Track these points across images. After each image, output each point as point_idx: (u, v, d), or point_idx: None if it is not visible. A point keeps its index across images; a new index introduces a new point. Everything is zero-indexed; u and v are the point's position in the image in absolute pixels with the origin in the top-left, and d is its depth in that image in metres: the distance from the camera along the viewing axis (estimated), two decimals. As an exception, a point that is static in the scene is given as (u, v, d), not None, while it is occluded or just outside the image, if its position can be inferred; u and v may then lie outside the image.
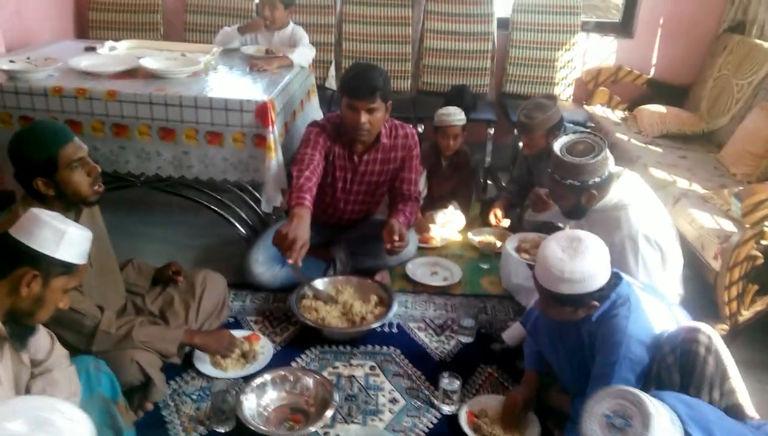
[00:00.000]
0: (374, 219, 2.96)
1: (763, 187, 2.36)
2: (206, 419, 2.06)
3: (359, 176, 2.73)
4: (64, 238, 1.50)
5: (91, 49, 3.09)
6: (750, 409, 1.65)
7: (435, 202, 3.43)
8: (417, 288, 2.85)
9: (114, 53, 3.03)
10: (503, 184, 3.70)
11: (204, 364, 2.27)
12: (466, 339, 2.50)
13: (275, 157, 2.52)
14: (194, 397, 2.15)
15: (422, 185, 3.41)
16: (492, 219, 3.15)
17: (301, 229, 2.31)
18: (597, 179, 2.08)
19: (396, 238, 2.55)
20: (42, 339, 1.77)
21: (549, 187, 2.38)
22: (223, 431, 2.01)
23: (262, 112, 2.47)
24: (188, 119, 2.50)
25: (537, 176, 3.02)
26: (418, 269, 2.96)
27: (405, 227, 2.66)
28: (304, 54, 3.12)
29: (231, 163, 2.58)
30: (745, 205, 2.31)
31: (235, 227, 2.98)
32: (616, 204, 2.15)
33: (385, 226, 2.63)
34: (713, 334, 1.67)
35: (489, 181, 3.89)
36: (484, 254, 3.16)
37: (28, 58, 2.72)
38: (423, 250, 3.14)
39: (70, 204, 1.98)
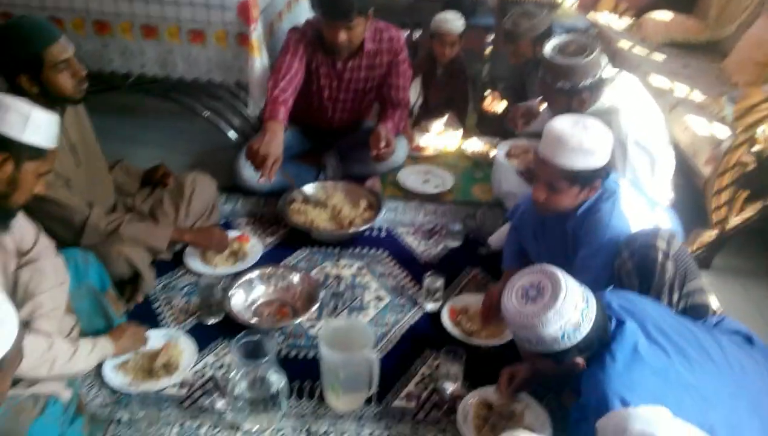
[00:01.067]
0: (365, 125, 2.93)
1: (757, 90, 2.30)
2: (195, 312, 2.11)
3: (344, 84, 2.67)
4: (29, 121, 1.49)
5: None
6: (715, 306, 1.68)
7: (431, 111, 3.38)
8: (408, 195, 2.86)
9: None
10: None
11: (194, 261, 2.32)
12: (453, 244, 2.53)
13: (259, 58, 2.47)
14: (184, 291, 2.20)
15: (417, 94, 3.34)
16: (487, 103, 3.12)
17: (273, 145, 2.31)
18: (588, 81, 2.04)
19: (382, 144, 2.53)
20: (27, 230, 1.80)
21: (540, 92, 2.33)
22: (210, 323, 2.07)
23: (243, 9, 2.40)
24: (170, 16, 2.44)
25: (529, 88, 2.95)
26: (410, 177, 2.96)
27: (392, 133, 2.63)
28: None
29: (215, 62, 2.53)
30: (737, 109, 2.27)
31: (225, 132, 2.96)
32: (609, 108, 2.12)
33: (372, 133, 2.60)
34: (672, 238, 1.67)
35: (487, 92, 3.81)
36: (478, 163, 3.14)
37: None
38: (416, 159, 3.13)
39: (54, 102, 1.95)
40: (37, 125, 1.51)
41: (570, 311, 1.35)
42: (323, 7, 2.41)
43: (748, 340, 1.58)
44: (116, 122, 3.28)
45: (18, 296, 1.71)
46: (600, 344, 1.41)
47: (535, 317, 1.36)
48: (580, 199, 1.77)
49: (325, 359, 1.72)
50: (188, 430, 1.72)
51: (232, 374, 1.69)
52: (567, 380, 1.65)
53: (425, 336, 2.06)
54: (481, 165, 3.12)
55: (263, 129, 2.37)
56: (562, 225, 1.86)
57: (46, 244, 1.85)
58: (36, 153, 1.53)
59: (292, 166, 2.72)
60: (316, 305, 2.10)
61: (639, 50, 3.48)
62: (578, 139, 1.66)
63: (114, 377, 1.83)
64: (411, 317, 2.15)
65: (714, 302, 1.72)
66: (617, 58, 3.36)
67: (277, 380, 1.71)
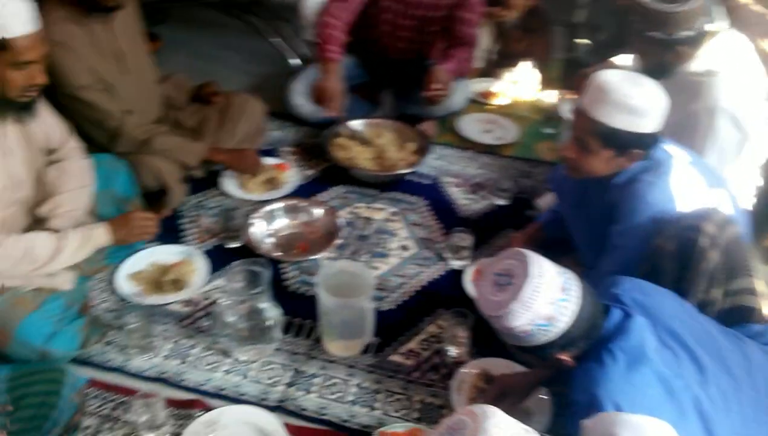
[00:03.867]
0: (428, 64, 2.74)
1: None
2: (218, 234, 2.10)
3: (407, 6, 2.48)
4: None
5: None
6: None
7: (507, 60, 3.12)
8: (464, 144, 2.68)
9: None
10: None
11: (230, 182, 2.30)
12: (500, 201, 2.35)
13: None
14: (212, 212, 2.19)
15: (490, 41, 3.09)
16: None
17: (332, 82, 2.35)
18: (686, 34, 1.77)
19: (436, 85, 2.35)
20: (56, 129, 1.82)
21: (631, 42, 2.06)
22: (231, 247, 2.05)
23: None
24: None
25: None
26: (470, 125, 2.77)
27: (451, 74, 2.43)
28: None
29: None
30: None
31: (287, 58, 2.89)
32: (706, 70, 1.84)
33: (426, 71, 2.41)
34: (726, 224, 1.42)
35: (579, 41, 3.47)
36: (551, 118, 2.87)
37: None
38: (484, 105, 2.92)
39: (91, 7, 1.93)
40: (4, 13, 1.43)
41: (540, 303, 1.16)
42: None
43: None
44: (187, 36, 3.30)
45: (42, 192, 1.76)
46: (588, 340, 1.23)
47: (501, 308, 1.19)
48: (615, 167, 1.54)
49: (321, 301, 1.65)
50: (181, 348, 1.73)
51: (225, 301, 1.66)
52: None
53: (443, 295, 1.94)
54: (554, 120, 2.86)
55: (321, 69, 2.37)
56: (602, 195, 1.65)
57: (74, 145, 1.88)
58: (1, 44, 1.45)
59: (346, 98, 2.61)
60: (336, 243, 2.02)
61: (761, 7, 3.00)
62: (623, 93, 1.44)
63: (124, 284, 1.86)
64: (433, 272, 2.03)
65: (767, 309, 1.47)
66: (734, 13, 2.92)
67: (271, 312, 1.67)
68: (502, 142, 2.69)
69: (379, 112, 2.71)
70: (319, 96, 2.38)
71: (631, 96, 1.43)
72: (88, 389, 1.58)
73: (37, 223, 1.71)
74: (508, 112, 2.91)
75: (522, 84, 3.04)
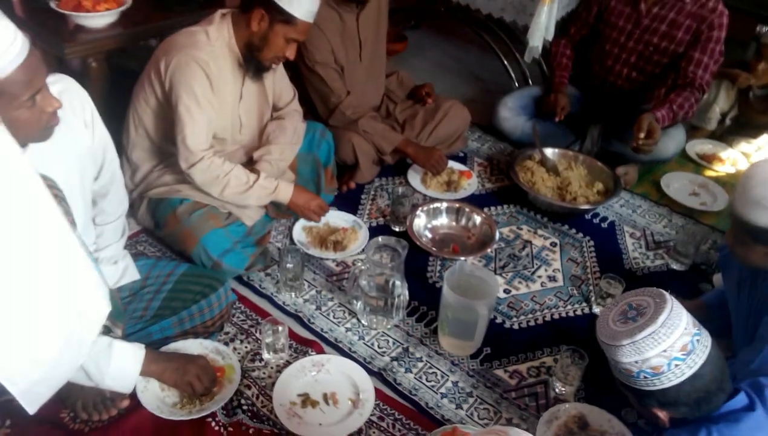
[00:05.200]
0: (643, 108, 2.64)
1: None
2: (387, 215, 2.31)
3: (639, 31, 2.42)
4: None
5: None
6: None
7: (742, 127, 2.85)
8: (662, 200, 2.53)
9: None
10: None
11: (414, 176, 2.50)
12: (676, 266, 2.20)
13: (548, 5, 2.40)
14: (390, 196, 2.41)
15: (732, 102, 2.83)
16: None
17: (563, 96, 2.52)
18: None
19: (641, 134, 2.26)
20: (286, 91, 2.19)
21: None
22: (396, 230, 2.25)
23: (552, -48, 2.34)
24: (487, -52, 2.52)
25: None
26: (677, 182, 2.60)
27: (663, 122, 2.31)
28: None
29: (511, 2, 2.57)
30: None
31: (511, 74, 3.02)
32: None
33: (637, 118, 2.33)
34: None
35: None
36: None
37: None
38: (700, 167, 2.72)
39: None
40: None
41: (653, 353, 1.13)
42: None
43: None
44: (430, 42, 3.60)
45: (260, 140, 2.13)
46: (694, 411, 1.16)
47: (614, 339, 1.18)
48: None
49: (443, 294, 1.75)
50: (321, 297, 1.96)
51: (363, 266, 1.85)
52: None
53: (573, 334, 1.90)
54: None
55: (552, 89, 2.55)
56: (765, 282, 1.49)
57: (296, 108, 2.22)
58: (286, 18, 1.80)
59: (549, 123, 2.64)
60: (487, 252, 2.10)
61: None
62: (762, 191, 1.31)
63: (298, 233, 2.16)
64: (571, 309, 1.99)
65: None
66: None
67: (399, 290, 1.82)
68: (705, 209, 2.48)
69: (580, 144, 2.69)
70: (550, 103, 2.51)
71: (765, 195, 1.30)
72: (239, 305, 1.89)
73: (249, 163, 2.08)
74: (724, 181, 2.66)
75: (755, 157, 2.76)
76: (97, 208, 1.62)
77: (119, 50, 2.28)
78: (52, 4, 2.09)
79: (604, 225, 2.37)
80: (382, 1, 2.45)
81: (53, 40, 2.05)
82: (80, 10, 2.06)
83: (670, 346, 1.13)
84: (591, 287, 2.07)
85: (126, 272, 1.70)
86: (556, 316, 1.97)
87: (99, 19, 2.08)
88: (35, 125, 1.24)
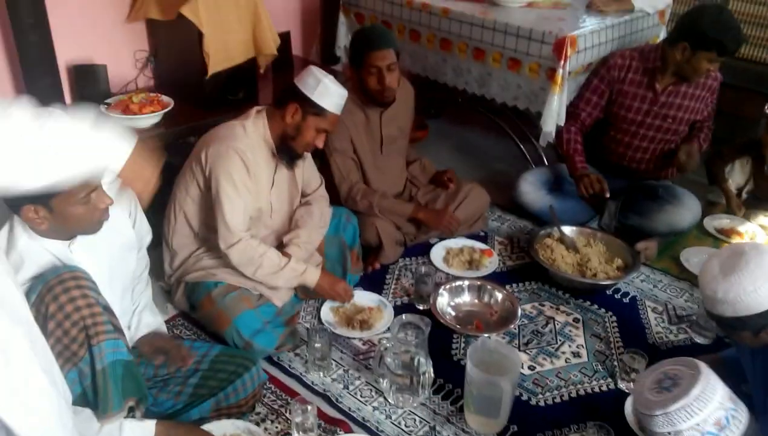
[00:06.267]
0: (661, 183, 2.74)
1: None
2: (411, 293, 2.39)
3: (657, 107, 2.61)
4: (319, 85, 1.96)
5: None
6: None
7: (760, 200, 2.90)
8: (683, 274, 2.57)
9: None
10: None
11: (437, 256, 2.58)
12: (700, 339, 2.21)
13: (558, 94, 2.55)
14: (413, 275, 2.49)
15: (747, 176, 2.91)
16: None
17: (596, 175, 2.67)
18: None
19: (684, 157, 2.55)
20: (314, 179, 2.34)
21: None
22: (420, 308, 2.31)
23: (559, 46, 2.51)
24: (497, 43, 2.71)
25: None
26: (696, 257, 2.63)
27: (697, 152, 2.57)
28: (652, -4, 2.92)
29: (523, 91, 2.71)
30: None
31: (527, 156, 3.16)
32: None
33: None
34: None
35: None
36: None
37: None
38: (719, 241, 2.76)
39: (371, 100, 2.43)
40: (325, 89, 1.98)
41: (686, 425, 1.16)
42: (713, 42, 2.38)
43: None
44: (450, 129, 3.78)
45: (289, 224, 2.26)
46: None
47: (648, 408, 1.21)
48: (764, 340, 1.42)
49: (467, 370, 1.80)
50: (349, 377, 2.01)
51: (388, 344, 1.91)
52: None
53: (600, 410, 1.91)
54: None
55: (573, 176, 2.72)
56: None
57: (322, 194, 2.37)
58: (318, 110, 1.99)
59: (568, 200, 2.74)
60: (510, 329, 2.15)
61: None
62: (715, 288, 1.39)
63: (326, 313, 2.24)
64: (597, 385, 2.01)
65: None
66: None
67: (425, 368, 1.87)
68: (727, 282, 2.50)
69: (598, 220, 2.77)
70: (593, 184, 2.60)
71: (726, 291, 1.38)
72: (269, 384, 1.96)
73: (279, 246, 2.19)
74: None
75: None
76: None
77: (162, 147, 2.47)
78: (103, 108, 2.30)
79: (626, 300, 2.41)
80: (408, 100, 2.63)
81: (102, 140, 2.25)
82: (128, 113, 2.27)
83: (703, 420, 1.16)
84: (615, 362, 2.09)
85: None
86: (581, 392, 1.98)
87: (145, 121, 2.29)
88: (88, 220, 1.39)
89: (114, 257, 1.59)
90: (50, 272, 1.36)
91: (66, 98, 2.41)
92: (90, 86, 2.43)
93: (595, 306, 2.36)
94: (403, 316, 1.93)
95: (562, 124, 2.64)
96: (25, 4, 2.11)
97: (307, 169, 2.29)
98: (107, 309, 1.40)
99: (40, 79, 2.21)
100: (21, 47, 2.17)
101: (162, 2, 2.41)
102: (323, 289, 2.16)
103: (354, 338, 2.15)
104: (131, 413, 1.45)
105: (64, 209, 1.34)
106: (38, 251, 1.41)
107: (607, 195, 2.60)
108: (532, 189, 2.81)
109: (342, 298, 2.21)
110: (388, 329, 2.15)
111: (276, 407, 1.89)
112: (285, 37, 2.94)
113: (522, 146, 3.30)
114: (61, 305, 1.32)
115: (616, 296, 2.43)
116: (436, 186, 2.78)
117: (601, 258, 2.50)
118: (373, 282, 2.43)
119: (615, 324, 2.28)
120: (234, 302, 2.02)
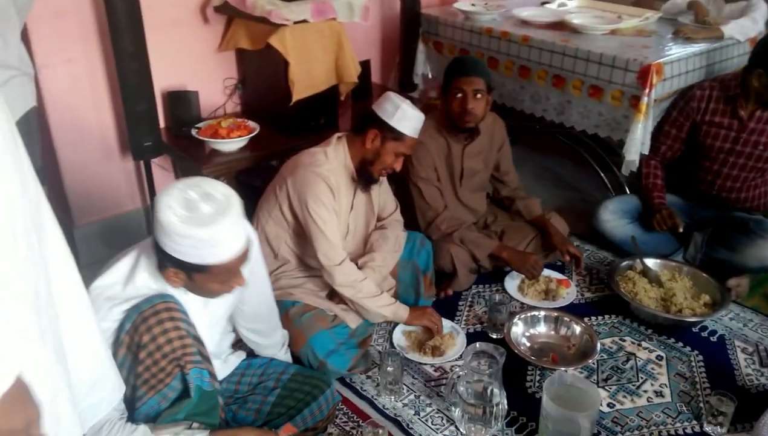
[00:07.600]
0: (753, 216, 2.59)
1: None
2: (484, 322, 2.36)
3: (746, 134, 2.49)
4: (398, 110, 2.01)
5: (544, 3, 3.47)
6: None
7: None
8: (775, 313, 2.42)
9: (559, 8, 3.34)
10: None
11: (511, 284, 2.54)
12: (797, 385, 2.07)
13: (642, 122, 2.48)
14: (487, 303, 2.46)
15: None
16: None
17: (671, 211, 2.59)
18: None
19: None
20: (390, 203, 2.38)
21: None
22: (493, 336, 2.28)
23: (644, 73, 2.45)
24: (578, 70, 2.67)
25: None
26: (793, 296, 2.48)
27: None
28: (742, 26, 2.80)
29: (605, 119, 2.65)
30: None
31: (607, 185, 3.08)
32: None
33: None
34: None
35: None
36: None
37: (486, 3, 3.29)
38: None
39: (453, 127, 2.44)
40: (404, 114, 2.03)
41: None
42: None
43: None
44: (528, 156, 3.73)
45: (364, 247, 2.30)
46: None
47: None
48: None
49: (543, 404, 1.75)
50: (420, 403, 2.00)
51: (461, 372, 1.89)
52: None
53: (684, 453, 1.82)
54: None
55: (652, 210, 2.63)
56: None
57: (397, 218, 2.40)
58: (396, 135, 2.04)
59: (652, 233, 2.64)
60: (588, 363, 2.09)
61: None
62: None
63: (398, 337, 2.25)
64: (680, 427, 1.91)
65: None
66: None
67: (498, 399, 1.84)
68: (828, 325, 2.34)
69: (683, 252, 2.65)
70: (665, 220, 2.55)
71: None
72: (341, 406, 1.97)
73: (355, 269, 2.23)
74: None
75: None
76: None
77: (246, 170, 2.59)
78: (193, 132, 2.43)
79: (713, 339, 2.28)
80: (495, 136, 2.60)
81: (193, 162, 2.38)
82: (216, 137, 2.39)
83: None
84: (701, 404, 1.98)
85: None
86: (664, 433, 1.89)
87: (232, 144, 2.40)
88: (219, 293, 1.51)
89: (228, 300, 1.64)
90: (144, 303, 1.43)
91: (160, 122, 2.56)
92: (182, 111, 2.58)
93: (680, 344, 2.25)
94: (477, 344, 1.90)
95: (647, 153, 2.56)
96: (127, 34, 2.27)
97: (383, 193, 2.33)
98: (197, 339, 1.47)
99: (138, 104, 2.36)
100: (121, 73, 2.33)
101: (252, 33, 2.54)
102: (419, 321, 2.21)
103: (426, 364, 2.14)
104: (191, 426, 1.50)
105: (203, 283, 1.45)
106: (155, 290, 1.47)
107: (681, 230, 2.50)
108: (613, 217, 2.73)
109: (434, 324, 2.21)
110: (461, 356, 2.13)
111: (348, 428, 1.90)
112: (365, 65, 3.02)
113: (603, 174, 3.22)
114: (154, 336, 1.39)
115: (702, 333, 2.31)
116: (513, 215, 2.74)
117: (686, 293, 2.39)
118: (446, 308, 2.42)
119: (701, 363, 2.16)
120: (310, 321, 2.06)
